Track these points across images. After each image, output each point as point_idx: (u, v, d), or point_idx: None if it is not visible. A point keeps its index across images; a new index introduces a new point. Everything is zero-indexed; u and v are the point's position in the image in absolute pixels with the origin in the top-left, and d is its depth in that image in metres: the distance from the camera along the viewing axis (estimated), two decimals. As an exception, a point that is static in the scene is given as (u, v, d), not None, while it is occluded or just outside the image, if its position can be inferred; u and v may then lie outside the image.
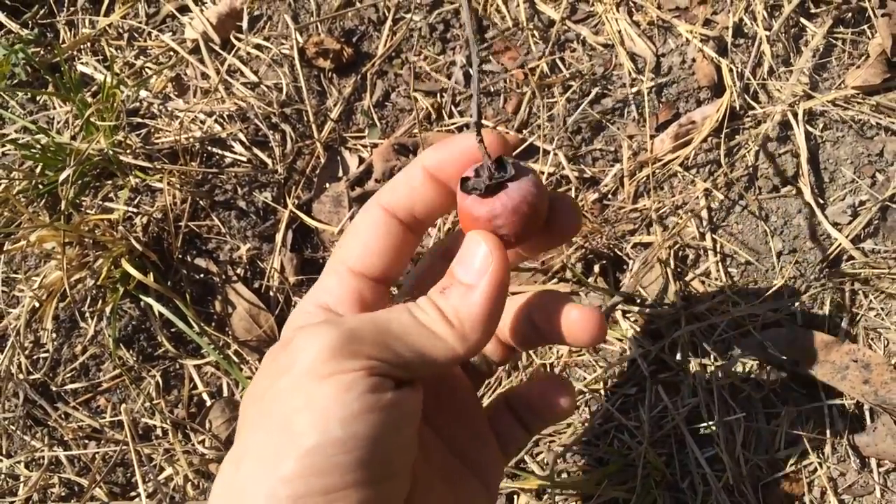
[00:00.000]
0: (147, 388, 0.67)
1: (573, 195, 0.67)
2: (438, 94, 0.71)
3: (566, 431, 0.62)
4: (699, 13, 0.70)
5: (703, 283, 0.65)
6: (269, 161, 0.70)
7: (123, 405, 0.66)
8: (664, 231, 0.65)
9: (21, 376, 0.67)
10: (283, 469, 0.29)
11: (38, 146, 0.70)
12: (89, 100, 0.72)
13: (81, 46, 0.77)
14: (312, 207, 0.70)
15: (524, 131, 0.69)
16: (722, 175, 0.66)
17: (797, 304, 0.63)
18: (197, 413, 0.67)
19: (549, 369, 0.64)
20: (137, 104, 0.73)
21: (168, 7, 0.77)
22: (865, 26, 0.68)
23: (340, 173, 0.71)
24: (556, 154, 0.67)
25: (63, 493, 0.65)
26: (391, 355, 0.32)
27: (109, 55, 0.75)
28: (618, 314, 0.64)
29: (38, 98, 0.76)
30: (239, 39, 0.74)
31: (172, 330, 0.67)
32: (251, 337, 0.67)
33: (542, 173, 0.67)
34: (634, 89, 0.69)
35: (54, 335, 0.68)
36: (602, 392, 0.63)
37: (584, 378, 0.63)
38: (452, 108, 0.70)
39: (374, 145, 0.71)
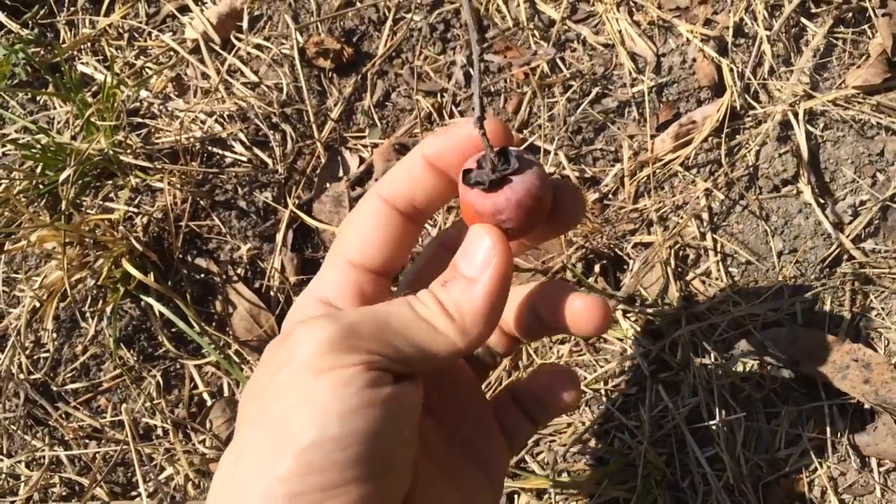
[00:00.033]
0: (148, 387, 0.67)
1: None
2: (439, 94, 0.71)
3: (567, 431, 0.62)
4: (700, 13, 0.70)
5: (703, 282, 0.65)
6: (269, 161, 0.70)
7: (124, 405, 0.66)
8: (665, 231, 0.65)
9: (22, 376, 0.67)
10: (279, 467, 0.29)
11: (39, 146, 0.70)
12: (89, 100, 0.72)
13: (82, 46, 0.77)
14: (313, 207, 0.70)
15: (525, 131, 0.69)
16: (722, 175, 0.66)
17: (798, 303, 0.63)
18: (197, 413, 0.67)
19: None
20: (138, 104, 0.73)
21: (168, 7, 0.77)
22: (866, 26, 0.68)
23: (341, 173, 0.71)
24: (556, 154, 0.67)
25: (64, 493, 0.65)
26: (390, 350, 0.32)
27: (110, 55, 0.75)
28: (618, 314, 0.64)
29: (38, 98, 0.76)
30: (239, 39, 0.74)
31: (173, 330, 0.67)
32: (252, 337, 0.67)
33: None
34: (635, 89, 0.69)
35: (55, 335, 0.68)
36: (602, 392, 0.63)
37: (585, 378, 0.63)
38: (453, 107, 0.70)
39: (375, 145, 0.71)
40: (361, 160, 0.71)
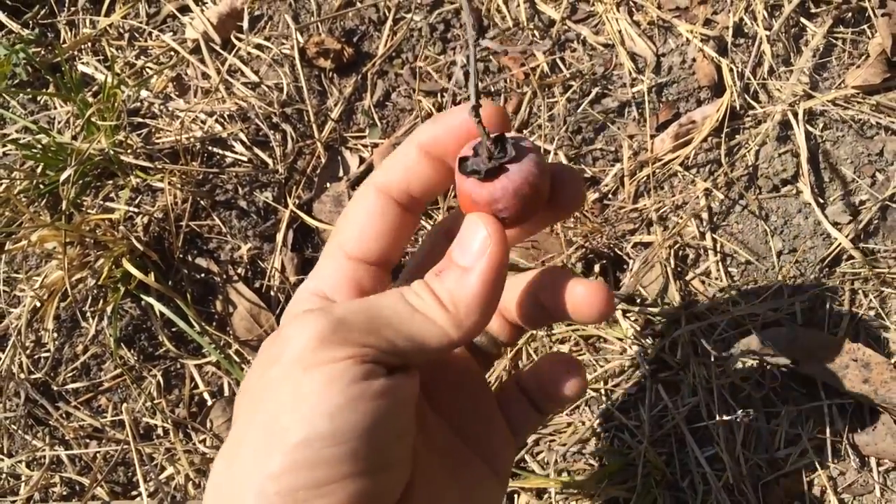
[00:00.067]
0: (148, 387, 0.67)
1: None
2: (439, 94, 0.71)
3: (567, 431, 0.63)
4: (699, 13, 0.70)
5: (703, 282, 0.65)
6: (269, 161, 0.70)
7: (124, 404, 0.66)
8: (664, 231, 0.66)
9: (22, 376, 0.67)
10: (270, 465, 0.29)
11: (39, 146, 0.70)
12: (90, 100, 0.72)
13: (82, 46, 0.77)
14: (313, 207, 0.70)
15: (525, 131, 0.69)
16: (722, 175, 0.66)
17: (797, 303, 0.63)
18: (198, 412, 0.67)
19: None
20: (138, 104, 0.73)
21: (169, 7, 0.77)
22: (865, 26, 0.68)
23: (341, 173, 0.71)
24: (556, 154, 0.67)
25: (64, 493, 0.65)
26: (382, 342, 0.31)
27: (110, 55, 0.75)
28: (618, 314, 0.64)
29: (39, 98, 0.76)
30: (239, 39, 0.74)
31: (173, 329, 0.67)
32: (252, 336, 0.67)
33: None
34: (635, 89, 0.69)
35: (55, 335, 0.68)
36: (602, 391, 0.63)
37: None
38: (453, 107, 0.70)
39: (375, 145, 0.71)
40: (362, 160, 0.71)
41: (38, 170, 0.70)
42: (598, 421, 0.62)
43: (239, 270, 0.69)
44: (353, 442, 0.29)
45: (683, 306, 0.63)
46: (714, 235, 0.65)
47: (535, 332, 0.64)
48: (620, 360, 0.63)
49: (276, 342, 0.32)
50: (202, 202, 0.69)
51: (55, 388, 0.67)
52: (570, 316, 0.38)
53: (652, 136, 0.68)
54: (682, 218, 0.66)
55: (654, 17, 0.70)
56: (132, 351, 0.67)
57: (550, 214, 0.37)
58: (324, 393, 0.29)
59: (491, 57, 0.71)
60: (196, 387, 0.67)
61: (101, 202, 0.69)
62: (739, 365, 0.62)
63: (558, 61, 0.70)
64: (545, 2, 0.72)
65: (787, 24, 0.69)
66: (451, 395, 0.40)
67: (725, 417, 0.60)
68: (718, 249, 0.65)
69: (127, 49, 0.76)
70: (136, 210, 0.68)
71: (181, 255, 0.68)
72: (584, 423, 0.62)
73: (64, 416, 0.67)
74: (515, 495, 0.62)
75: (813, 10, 0.69)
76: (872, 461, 0.61)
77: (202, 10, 0.75)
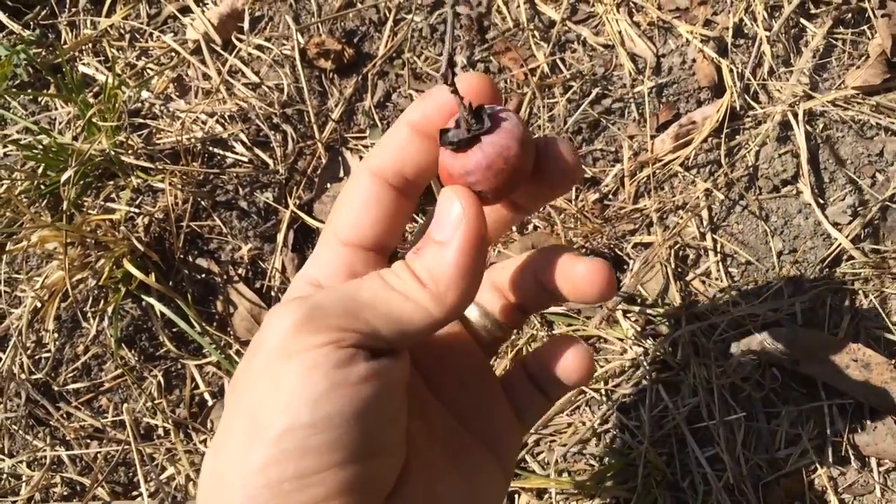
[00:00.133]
0: (149, 387, 0.67)
1: (573, 193, 0.67)
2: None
3: (567, 431, 0.63)
4: (699, 14, 0.70)
5: (703, 282, 0.65)
6: (270, 161, 0.70)
7: (125, 405, 0.66)
8: (665, 231, 0.66)
9: (23, 376, 0.67)
10: (254, 458, 0.28)
11: (40, 147, 0.70)
12: (91, 100, 0.72)
13: (83, 47, 0.77)
14: (314, 208, 0.70)
15: (525, 132, 0.69)
16: (722, 175, 0.66)
17: (797, 303, 0.63)
18: (199, 413, 0.67)
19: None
20: (139, 105, 0.73)
21: (169, 8, 0.77)
22: (865, 27, 0.68)
23: (342, 173, 0.71)
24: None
25: (65, 493, 0.65)
26: (362, 325, 0.30)
27: (111, 56, 0.75)
28: (618, 314, 0.64)
29: (39, 99, 0.76)
30: (240, 40, 0.74)
31: (174, 330, 0.67)
32: (252, 337, 0.67)
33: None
34: (635, 90, 0.69)
35: (56, 335, 0.68)
36: (603, 391, 0.63)
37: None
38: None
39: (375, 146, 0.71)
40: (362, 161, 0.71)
41: (39, 170, 0.70)
42: (598, 421, 0.62)
43: (239, 271, 0.69)
44: (340, 429, 0.28)
45: (684, 307, 0.63)
46: (714, 236, 0.66)
47: (535, 333, 0.64)
48: (621, 361, 0.63)
49: (257, 334, 0.31)
50: (203, 203, 0.69)
51: (56, 389, 0.67)
52: (571, 296, 0.37)
53: (652, 137, 0.68)
54: (682, 218, 0.66)
55: (654, 18, 0.70)
56: (133, 351, 0.67)
57: (539, 190, 0.35)
58: (305, 380, 0.29)
59: (491, 58, 0.71)
60: (197, 387, 0.67)
61: (102, 203, 0.69)
62: (739, 365, 0.62)
63: (558, 62, 0.70)
64: (545, 2, 0.72)
65: (787, 25, 0.69)
66: (453, 381, 0.39)
67: (726, 418, 0.60)
68: (719, 250, 0.65)
69: (128, 50, 0.76)
70: (136, 210, 0.68)
71: (182, 256, 0.68)
72: (584, 424, 0.62)
73: (65, 416, 0.67)
74: (516, 495, 0.62)
75: (813, 11, 0.69)
76: (873, 461, 0.61)
77: (203, 11, 0.75)
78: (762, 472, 0.61)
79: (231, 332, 0.68)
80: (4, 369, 0.67)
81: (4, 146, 0.73)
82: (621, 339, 0.64)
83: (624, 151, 0.68)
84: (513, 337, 0.65)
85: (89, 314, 0.68)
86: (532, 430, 0.63)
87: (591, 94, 0.69)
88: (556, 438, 0.63)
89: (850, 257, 0.64)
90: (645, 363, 0.62)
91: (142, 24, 0.77)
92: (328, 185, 0.70)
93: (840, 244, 0.64)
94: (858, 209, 0.65)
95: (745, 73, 0.67)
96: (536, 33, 0.71)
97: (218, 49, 0.74)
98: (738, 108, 0.67)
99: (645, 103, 0.68)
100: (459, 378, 0.39)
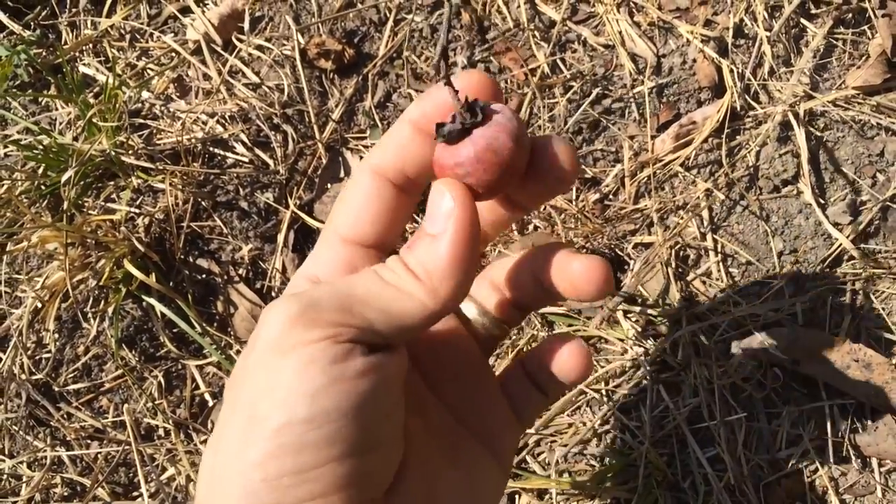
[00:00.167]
0: (149, 388, 0.67)
1: (573, 193, 0.67)
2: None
3: (568, 431, 0.63)
4: (700, 14, 0.70)
5: (704, 283, 0.65)
6: (270, 162, 0.70)
7: (126, 405, 0.66)
8: (665, 231, 0.66)
9: (23, 377, 0.67)
10: (252, 454, 0.28)
11: (41, 147, 0.70)
12: (91, 101, 0.72)
13: (83, 48, 0.77)
14: (314, 208, 0.70)
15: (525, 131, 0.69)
16: (723, 175, 0.66)
17: (798, 303, 0.63)
18: (199, 413, 0.67)
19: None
20: (139, 105, 0.73)
21: (170, 8, 0.77)
22: (866, 27, 0.68)
23: (342, 174, 0.71)
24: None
25: (65, 494, 0.65)
26: (358, 319, 0.30)
27: (111, 56, 0.75)
28: (619, 314, 0.64)
29: (40, 99, 0.76)
30: (240, 40, 0.74)
31: (174, 330, 0.67)
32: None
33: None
34: (635, 90, 0.69)
35: (56, 336, 0.68)
36: (603, 392, 0.63)
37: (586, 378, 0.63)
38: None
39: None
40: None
41: (40, 171, 0.70)
42: (599, 422, 0.62)
43: (240, 271, 0.69)
44: (337, 423, 0.28)
45: (684, 307, 0.63)
46: (715, 236, 0.65)
47: (535, 333, 0.64)
48: (621, 361, 0.63)
49: (255, 331, 0.31)
50: (203, 203, 0.69)
51: (56, 389, 0.67)
52: (568, 293, 0.37)
53: (652, 137, 0.68)
54: (682, 218, 0.66)
55: (655, 18, 0.70)
56: (133, 352, 0.67)
57: (534, 189, 0.35)
58: (302, 376, 0.29)
59: (492, 58, 0.71)
60: (197, 387, 0.67)
61: (103, 203, 0.69)
62: (740, 365, 0.62)
63: (559, 62, 0.70)
64: (546, 3, 0.72)
65: (788, 25, 0.69)
66: (450, 377, 0.39)
67: (727, 418, 0.60)
68: (719, 250, 0.65)
69: (128, 50, 0.76)
70: (137, 211, 0.68)
71: (182, 256, 0.68)
72: (585, 424, 0.62)
73: (65, 416, 0.67)
74: (516, 496, 0.62)
75: (813, 11, 0.69)
76: (874, 462, 0.61)
77: (203, 12, 0.75)
78: (763, 472, 0.61)
79: (231, 333, 0.68)
80: (5, 370, 0.67)
81: (5, 146, 0.73)
82: (622, 340, 0.63)
83: (624, 151, 0.68)
84: (513, 337, 0.65)
85: (90, 315, 0.68)
86: (533, 431, 0.63)
87: (591, 95, 0.69)
88: (556, 439, 0.63)
89: (851, 257, 0.64)
90: (645, 363, 0.62)
91: (142, 24, 0.77)
92: (328, 185, 0.70)
93: (841, 244, 0.64)
94: (859, 209, 0.65)
95: (746, 73, 0.67)
96: (537, 33, 0.71)
97: (218, 49, 0.74)
98: (738, 109, 0.67)
99: (645, 103, 0.68)
100: (456, 375, 0.39)
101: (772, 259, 0.65)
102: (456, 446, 0.37)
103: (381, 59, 0.72)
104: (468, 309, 0.41)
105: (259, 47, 0.74)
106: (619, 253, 0.66)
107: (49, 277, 0.67)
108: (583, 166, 0.68)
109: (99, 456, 0.66)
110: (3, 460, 0.66)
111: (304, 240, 0.70)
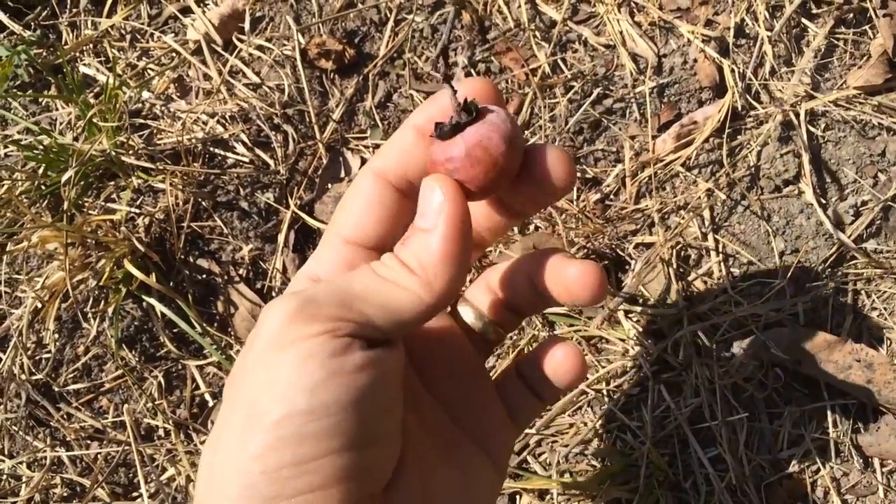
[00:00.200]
0: (149, 388, 0.67)
1: (574, 193, 0.67)
2: (440, 95, 0.71)
3: (569, 431, 0.62)
4: (701, 14, 0.70)
5: (705, 283, 0.65)
6: (271, 162, 0.70)
7: (126, 405, 0.66)
8: (666, 231, 0.65)
9: (23, 377, 0.67)
10: (252, 446, 0.28)
11: (41, 147, 0.70)
12: (92, 101, 0.72)
13: (84, 48, 0.77)
14: (314, 208, 0.70)
15: (526, 132, 0.69)
16: (724, 175, 0.66)
17: (800, 303, 0.63)
18: (199, 413, 0.67)
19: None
20: (140, 105, 0.73)
21: (170, 8, 0.77)
22: (867, 26, 0.68)
23: (342, 174, 0.71)
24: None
25: (65, 494, 0.65)
26: (356, 314, 0.31)
27: (112, 56, 0.75)
28: (620, 314, 0.64)
29: (40, 99, 0.76)
30: (241, 41, 0.74)
31: (175, 330, 0.67)
32: (253, 337, 0.67)
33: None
34: (636, 90, 0.69)
35: (56, 336, 0.68)
36: (604, 392, 0.63)
37: (587, 378, 0.63)
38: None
39: (377, 146, 0.71)
40: (363, 161, 0.71)
41: (40, 171, 0.70)
42: (600, 422, 0.62)
43: (240, 271, 0.69)
44: (336, 416, 0.29)
45: (685, 307, 0.63)
46: (716, 236, 0.65)
47: (536, 333, 0.64)
48: (622, 361, 0.63)
49: (254, 329, 0.32)
50: (203, 203, 0.69)
51: (56, 389, 0.67)
52: (563, 298, 0.37)
53: (653, 137, 0.68)
54: (683, 218, 0.65)
55: (656, 18, 0.70)
56: (133, 352, 0.67)
57: (527, 194, 0.35)
58: (301, 369, 0.29)
59: (492, 58, 0.71)
60: (197, 388, 0.67)
61: (103, 203, 0.69)
62: (742, 365, 0.61)
63: (559, 62, 0.70)
64: (546, 3, 0.72)
65: (789, 25, 0.69)
66: (446, 377, 0.39)
67: (728, 418, 0.60)
68: (720, 250, 0.65)
69: (128, 50, 0.76)
70: (137, 211, 0.68)
71: (182, 256, 0.68)
72: (586, 424, 0.62)
73: (65, 417, 0.67)
74: (517, 496, 0.62)
75: (814, 11, 0.69)
76: (876, 462, 0.61)
77: (204, 12, 0.75)
78: (765, 472, 0.60)
79: (232, 333, 0.67)
80: (5, 370, 0.67)
81: (5, 147, 0.73)
82: (623, 340, 0.63)
83: (625, 151, 0.68)
84: (514, 337, 0.65)
85: (90, 315, 0.68)
86: (534, 431, 0.63)
87: (592, 95, 0.69)
88: (557, 439, 0.62)
89: (853, 257, 0.64)
90: (647, 363, 0.62)
91: (142, 24, 0.77)
92: (329, 185, 0.70)
93: (842, 244, 0.63)
94: (861, 209, 0.65)
95: (747, 73, 0.67)
96: (537, 33, 0.71)
97: (219, 49, 0.74)
98: (739, 108, 0.67)
99: (646, 103, 0.68)
100: (451, 373, 0.39)
101: (773, 259, 0.64)
102: (451, 444, 0.37)
103: (382, 59, 0.72)
104: (465, 312, 0.41)
105: (259, 47, 0.74)
106: (620, 253, 0.66)
107: (49, 277, 0.67)
108: (584, 166, 0.68)
109: (99, 456, 0.65)
110: (3, 460, 0.66)
111: (305, 240, 0.70)
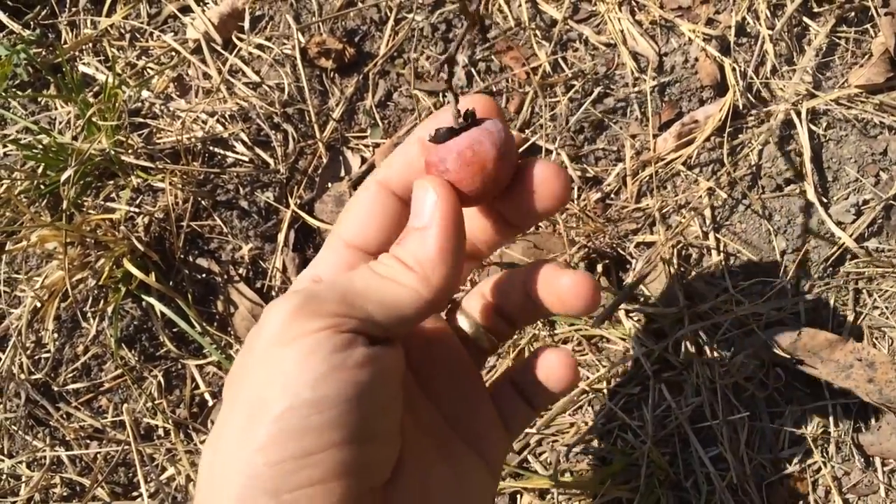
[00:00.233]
0: (149, 388, 0.67)
1: (574, 192, 0.67)
2: (440, 94, 0.71)
3: (569, 431, 0.62)
4: (702, 12, 0.70)
5: (706, 282, 0.64)
6: (271, 161, 0.70)
7: (125, 405, 0.66)
8: (667, 230, 0.65)
9: (23, 376, 0.67)
10: (255, 439, 0.29)
11: (40, 146, 0.70)
12: (91, 100, 0.72)
13: (83, 47, 0.77)
14: (314, 207, 0.70)
15: (527, 131, 0.69)
16: (725, 174, 0.66)
17: (801, 302, 0.63)
18: (199, 413, 0.67)
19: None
20: (139, 104, 0.73)
21: (170, 7, 0.77)
22: (868, 25, 0.68)
23: (342, 173, 0.70)
24: (558, 153, 0.67)
25: (65, 494, 0.65)
26: (358, 311, 0.31)
27: (111, 55, 0.75)
28: (621, 313, 0.63)
29: (39, 99, 0.76)
30: (241, 39, 0.74)
31: (174, 330, 0.67)
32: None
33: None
34: (637, 89, 0.68)
35: (56, 335, 0.68)
36: (605, 391, 0.63)
37: (588, 377, 0.63)
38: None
39: (376, 145, 0.71)
40: (363, 160, 0.70)
41: (39, 170, 0.70)
42: (601, 421, 0.62)
43: (240, 270, 0.68)
44: (337, 409, 0.29)
45: (686, 306, 0.63)
46: (717, 235, 0.65)
47: (537, 332, 0.64)
48: (623, 360, 0.63)
49: (254, 328, 0.32)
50: (203, 202, 0.69)
51: (56, 389, 0.67)
52: (556, 308, 0.38)
53: (654, 136, 0.67)
54: (685, 217, 0.65)
55: (657, 17, 0.70)
56: (133, 351, 0.67)
57: (523, 204, 0.36)
58: (304, 364, 0.29)
59: (493, 57, 0.71)
60: (197, 387, 0.67)
61: (102, 202, 0.69)
62: (743, 364, 0.61)
63: (560, 61, 0.70)
64: (547, 1, 0.72)
65: (790, 24, 0.69)
66: (441, 380, 0.40)
67: (729, 417, 0.60)
68: (722, 249, 0.65)
69: (128, 49, 0.76)
70: (136, 210, 0.68)
71: (182, 256, 0.68)
72: (586, 424, 0.62)
73: (64, 416, 0.67)
74: (518, 495, 0.61)
75: (816, 10, 0.69)
76: (877, 461, 0.60)
77: (203, 11, 0.75)
78: (766, 471, 0.60)
79: (231, 332, 0.67)
80: (4, 369, 0.67)
81: (4, 146, 0.73)
82: (624, 339, 0.63)
83: (626, 150, 0.68)
84: (514, 337, 0.64)
85: (89, 314, 0.68)
86: (534, 430, 0.62)
87: (593, 94, 0.69)
88: (558, 438, 0.62)
89: (854, 256, 0.64)
90: (647, 363, 0.62)
91: (142, 23, 0.77)
92: (329, 184, 0.70)
93: (844, 243, 0.63)
94: (862, 208, 0.65)
95: (748, 71, 0.67)
96: (538, 32, 0.71)
97: (218, 48, 0.74)
98: (740, 107, 0.67)
99: (647, 102, 0.68)
100: (446, 375, 0.40)
101: (774, 258, 0.64)
102: (445, 445, 0.38)
103: (382, 58, 0.72)
104: (460, 320, 0.42)
105: (259, 46, 0.73)
106: (622, 252, 0.66)
107: (48, 277, 0.67)
108: (584, 165, 0.68)
109: (98, 456, 0.65)
110: (3, 460, 0.66)
111: (305, 239, 0.70)
